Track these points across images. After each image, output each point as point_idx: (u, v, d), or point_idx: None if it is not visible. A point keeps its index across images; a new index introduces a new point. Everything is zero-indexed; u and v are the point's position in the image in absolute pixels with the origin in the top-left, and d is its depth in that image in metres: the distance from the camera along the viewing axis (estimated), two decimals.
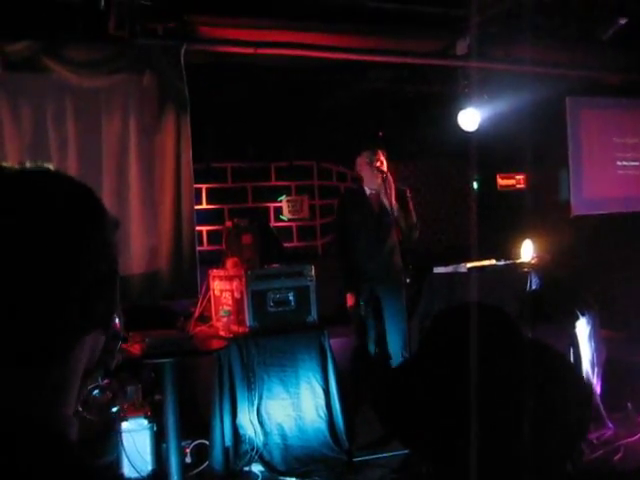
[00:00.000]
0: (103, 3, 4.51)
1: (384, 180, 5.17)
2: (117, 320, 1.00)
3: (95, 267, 0.92)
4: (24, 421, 0.84)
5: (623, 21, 5.59)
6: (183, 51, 5.24)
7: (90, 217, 0.96)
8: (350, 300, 5.30)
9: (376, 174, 5.24)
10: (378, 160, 5.28)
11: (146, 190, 5.26)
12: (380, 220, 5.32)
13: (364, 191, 5.43)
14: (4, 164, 0.95)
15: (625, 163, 7.79)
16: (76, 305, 0.88)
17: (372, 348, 5.33)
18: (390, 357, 5.30)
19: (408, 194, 5.48)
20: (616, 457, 4.59)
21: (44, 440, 0.84)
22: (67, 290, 0.88)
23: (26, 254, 0.86)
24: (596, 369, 5.15)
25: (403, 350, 5.22)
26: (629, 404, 5.18)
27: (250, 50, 5.53)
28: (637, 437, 4.86)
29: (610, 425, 4.94)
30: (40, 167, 0.95)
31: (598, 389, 5.13)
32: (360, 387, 5.28)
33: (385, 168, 5.29)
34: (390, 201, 5.17)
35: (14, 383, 0.85)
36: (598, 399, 5.03)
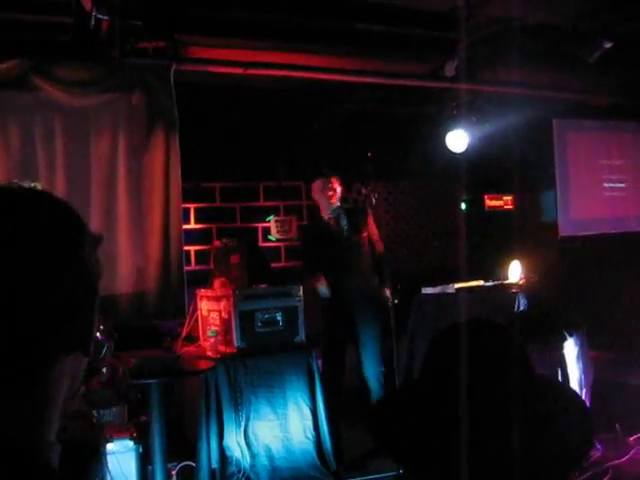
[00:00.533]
0: (93, 22, 4.52)
1: (338, 217, 5.19)
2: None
3: (72, 287, 0.90)
4: (4, 447, 0.81)
5: (608, 44, 5.66)
6: (173, 71, 5.26)
7: (68, 236, 0.93)
8: (316, 282, 5.17)
9: (330, 203, 5.25)
10: (330, 189, 5.27)
11: (134, 209, 5.25)
12: (345, 245, 5.26)
13: (323, 220, 5.39)
14: None
15: (611, 185, 7.86)
16: (52, 326, 0.87)
17: (338, 374, 5.25)
18: (367, 382, 5.25)
19: (369, 212, 5.40)
20: (605, 479, 4.57)
21: (25, 467, 0.81)
22: (43, 310, 0.86)
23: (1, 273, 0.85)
24: (584, 390, 5.15)
25: (379, 375, 5.17)
26: (617, 425, 5.17)
27: (239, 70, 5.56)
28: (626, 458, 4.85)
29: (598, 446, 4.93)
30: (23, 186, 0.94)
31: None
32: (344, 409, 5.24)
33: (337, 197, 5.28)
34: (361, 236, 5.21)
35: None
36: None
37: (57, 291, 0.88)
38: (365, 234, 5.31)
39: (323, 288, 5.14)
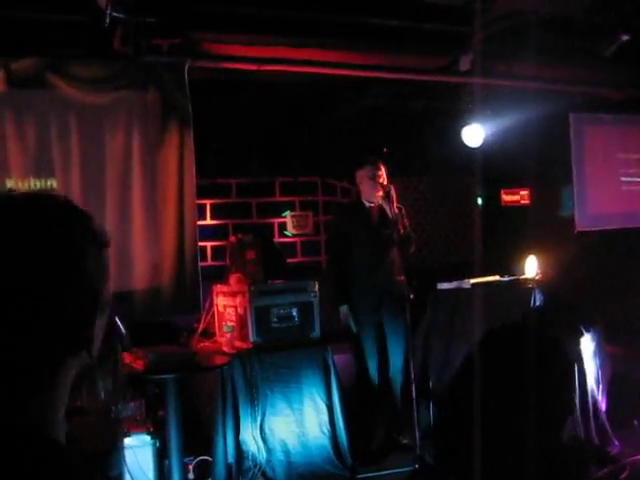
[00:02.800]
0: (108, 20, 4.54)
1: (387, 195, 5.12)
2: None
3: (78, 292, 0.97)
4: (16, 428, 0.91)
5: (625, 37, 5.60)
6: (187, 67, 5.28)
7: (70, 242, 0.99)
8: (343, 317, 5.25)
9: (377, 189, 5.22)
10: (381, 176, 5.27)
11: (149, 206, 5.27)
12: (380, 234, 5.28)
13: (363, 205, 5.41)
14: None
15: (629, 179, 7.79)
16: (56, 331, 0.95)
17: (374, 370, 5.26)
18: (391, 377, 5.26)
19: (404, 211, 5.43)
20: (622, 475, 4.54)
21: (38, 444, 0.92)
22: (50, 311, 0.94)
23: (9, 276, 0.92)
24: (601, 386, 5.11)
25: (404, 369, 5.17)
26: (635, 421, 5.14)
27: (254, 66, 5.56)
28: None
29: (616, 442, 4.90)
30: (36, 191, 1.03)
31: (603, 406, 5.09)
32: (365, 403, 5.25)
33: (386, 182, 5.27)
34: (392, 212, 5.13)
35: (6, 395, 0.93)
36: (604, 416, 5.00)
37: (65, 296, 0.95)
38: (399, 229, 5.27)
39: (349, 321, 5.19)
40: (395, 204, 5.13)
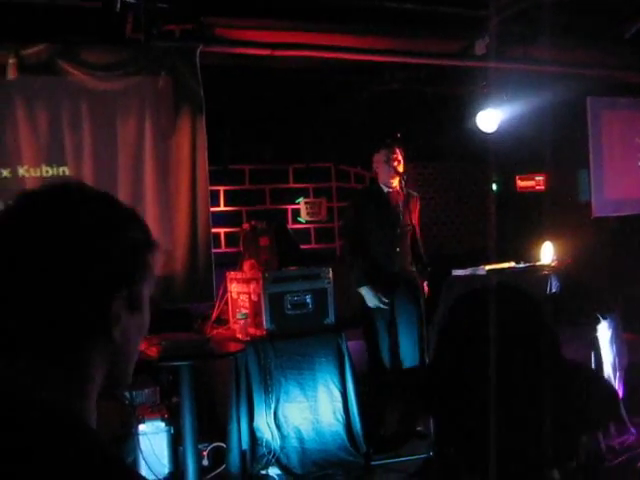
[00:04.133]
0: (119, 6, 4.51)
1: (402, 183, 5.14)
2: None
3: (103, 280, 1.00)
4: (44, 408, 0.93)
5: None
6: (199, 53, 5.24)
7: (99, 232, 1.02)
8: (370, 298, 5.17)
9: (392, 174, 5.19)
10: (395, 159, 5.22)
11: (161, 193, 5.26)
12: (397, 220, 5.25)
13: (381, 190, 5.37)
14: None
15: None
16: (86, 308, 0.98)
17: (386, 356, 5.22)
18: (403, 366, 5.22)
19: (418, 205, 5.43)
20: (639, 464, 4.51)
21: (68, 426, 0.93)
22: (77, 294, 0.97)
23: (42, 263, 0.97)
24: (618, 373, 5.07)
25: (417, 358, 5.14)
26: None
27: (267, 52, 5.51)
28: None
29: (633, 431, 4.86)
30: (60, 183, 1.06)
31: (620, 393, 5.04)
32: (378, 391, 5.23)
33: (402, 168, 5.23)
34: (410, 217, 5.21)
35: (37, 374, 0.96)
36: (621, 404, 4.95)
37: (91, 283, 0.99)
38: (414, 217, 5.28)
39: (374, 299, 5.13)
40: (416, 210, 5.28)
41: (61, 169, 4.90)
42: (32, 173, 4.85)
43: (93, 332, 1.00)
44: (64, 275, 0.97)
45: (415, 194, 5.50)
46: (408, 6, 5.39)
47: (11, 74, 4.77)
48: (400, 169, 5.21)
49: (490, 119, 6.46)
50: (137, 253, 1.07)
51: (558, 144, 7.24)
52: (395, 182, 5.22)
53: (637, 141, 7.64)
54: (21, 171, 4.84)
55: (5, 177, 4.84)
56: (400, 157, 5.25)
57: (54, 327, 0.97)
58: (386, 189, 5.31)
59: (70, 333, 0.98)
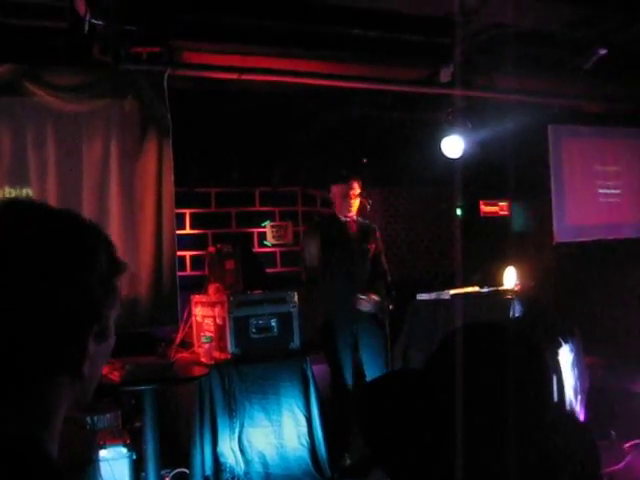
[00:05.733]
0: (87, 27, 4.50)
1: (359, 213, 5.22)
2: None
3: (80, 317, 0.97)
4: (6, 438, 0.91)
5: (603, 51, 5.67)
6: (166, 76, 5.25)
7: (72, 260, 0.97)
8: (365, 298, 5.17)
9: (349, 208, 5.22)
10: (352, 195, 5.22)
11: (126, 215, 5.23)
12: (357, 247, 5.27)
13: (338, 218, 5.35)
14: None
15: (607, 191, 7.86)
16: (60, 345, 0.95)
17: (349, 378, 5.18)
18: None
19: (378, 235, 5.45)
20: None
21: (28, 458, 0.91)
22: (53, 331, 0.94)
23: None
24: (579, 396, 5.13)
25: None
26: (612, 432, 5.15)
27: (234, 76, 5.54)
28: (621, 465, 4.84)
29: None
30: (21, 200, 1.03)
31: (582, 417, 5.10)
32: (341, 415, 5.21)
33: (357, 204, 5.24)
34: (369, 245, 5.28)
35: (2, 405, 0.94)
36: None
37: (49, 315, 0.94)
38: (372, 246, 5.31)
39: (368, 304, 5.14)
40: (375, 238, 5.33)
41: (24, 190, 4.84)
42: None
43: (63, 368, 0.97)
44: (40, 310, 0.93)
45: (373, 225, 5.50)
46: (373, 34, 5.47)
47: None
48: (356, 205, 5.23)
49: (455, 145, 6.55)
50: (108, 280, 1.01)
51: (521, 170, 7.37)
52: (352, 213, 5.26)
53: (596, 168, 7.82)
54: None
55: None
56: (357, 192, 5.24)
57: (25, 364, 0.94)
58: (343, 219, 5.33)
59: (41, 369, 0.95)
